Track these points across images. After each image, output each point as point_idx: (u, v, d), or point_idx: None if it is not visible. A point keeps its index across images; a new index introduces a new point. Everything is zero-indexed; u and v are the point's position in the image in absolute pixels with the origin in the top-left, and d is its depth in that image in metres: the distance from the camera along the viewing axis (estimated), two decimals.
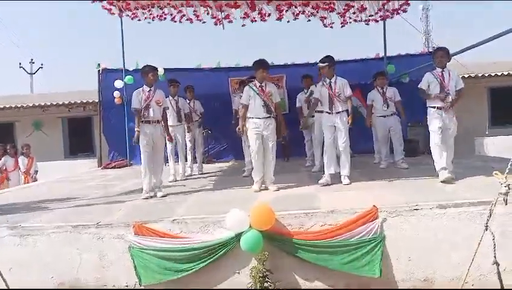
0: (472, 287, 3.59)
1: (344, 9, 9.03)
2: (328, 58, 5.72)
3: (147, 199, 5.36)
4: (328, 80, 5.78)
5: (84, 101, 13.39)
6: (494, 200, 2.74)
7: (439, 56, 5.48)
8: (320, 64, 5.77)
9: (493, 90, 12.91)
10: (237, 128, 5.71)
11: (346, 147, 5.68)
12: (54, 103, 13.53)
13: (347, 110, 5.74)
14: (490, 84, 12.78)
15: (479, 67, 12.43)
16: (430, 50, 11.49)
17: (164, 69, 10.51)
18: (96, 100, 11.27)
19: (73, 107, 13.57)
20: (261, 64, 5.51)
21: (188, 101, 7.95)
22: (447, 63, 5.48)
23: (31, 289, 4.02)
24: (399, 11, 8.84)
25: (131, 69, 10.35)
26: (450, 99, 5.31)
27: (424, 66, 9.36)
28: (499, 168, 2.81)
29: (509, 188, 2.63)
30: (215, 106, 10.53)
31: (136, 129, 5.51)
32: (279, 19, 9.11)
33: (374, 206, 3.93)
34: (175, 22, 9.43)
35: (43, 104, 13.52)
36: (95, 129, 12.66)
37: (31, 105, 13.54)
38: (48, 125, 13.99)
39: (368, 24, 9.74)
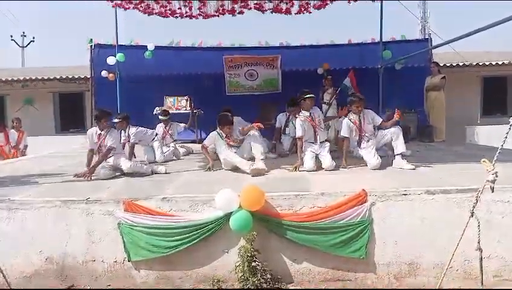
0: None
1: None
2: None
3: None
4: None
5: (76, 77, 13.22)
6: (481, 187, 2.77)
7: (355, 106, 5.66)
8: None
9: (486, 80, 12.94)
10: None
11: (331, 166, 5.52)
12: (45, 78, 13.34)
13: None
14: (483, 73, 12.79)
15: (473, 56, 12.44)
16: (426, 37, 11.48)
17: (156, 46, 10.39)
18: (89, 76, 11.14)
19: (65, 82, 13.40)
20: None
21: (164, 126, 7.84)
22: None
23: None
24: None
25: (124, 44, 10.25)
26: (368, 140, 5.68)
27: (419, 53, 9.42)
28: (488, 156, 2.83)
29: (496, 176, 2.66)
30: (208, 85, 10.50)
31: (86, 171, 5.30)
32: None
33: (363, 190, 3.96)
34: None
35: (34, 78, 13.33)
36: (87, 105, 12.52)
37: (21, 79, 13.34)
38: (39, 100, 13.81)
39: None
